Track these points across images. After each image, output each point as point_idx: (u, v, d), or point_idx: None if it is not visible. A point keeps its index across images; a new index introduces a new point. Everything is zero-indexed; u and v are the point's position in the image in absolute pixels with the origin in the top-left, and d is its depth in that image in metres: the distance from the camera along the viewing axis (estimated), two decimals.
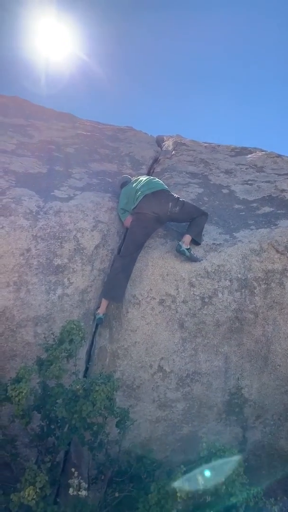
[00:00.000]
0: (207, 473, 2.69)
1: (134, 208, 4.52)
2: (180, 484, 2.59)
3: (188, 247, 4.28)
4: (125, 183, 4.98)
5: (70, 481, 2.75)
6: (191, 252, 4.28)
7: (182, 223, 4.66)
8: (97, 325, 4.29)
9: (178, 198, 4.55)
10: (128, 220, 4.59)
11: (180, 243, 4.28)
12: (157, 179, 4.83)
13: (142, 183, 4.66)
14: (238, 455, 2.95)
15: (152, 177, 4.92)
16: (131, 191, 4.67)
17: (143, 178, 4.82)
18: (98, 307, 4.20)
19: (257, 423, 4.45)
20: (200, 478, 2.67)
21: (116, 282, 4.20)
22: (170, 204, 4.44)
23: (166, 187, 4.70)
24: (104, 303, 4.19)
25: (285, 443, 4.54)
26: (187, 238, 4.33)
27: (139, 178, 4.84)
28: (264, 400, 4.41)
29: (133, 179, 4.95)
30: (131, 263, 4.28)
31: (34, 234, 4.13)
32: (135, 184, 4.71)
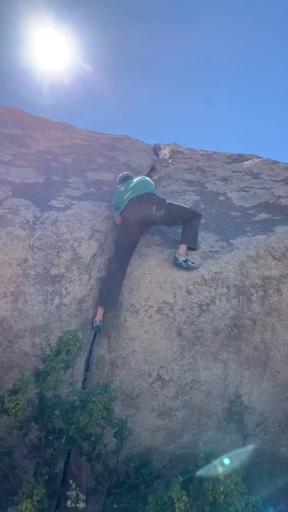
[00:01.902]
0: (205, 482, 2.67)
1: (121, 213, 4.51)
2: (178, 494, 2.57)
3: (185, 258, 4.26)
4: (124, 179, 4.98)
5: (68, 493, 2.74)
6: (188, 263, 4.26)
7: (174, 225, 4.64)
8: (95, 334, 4.29)
9: (163, 200, 4.50)
10: (117, 218, 4.58)
11: (176, 255, 4.26)
12: (146, 181, 4.76)
13: (131, 185, 4.63)
14: (236, 464, 2.93)
15: (142, 179, 4.83)
16: (122, 193, 4.65)
17: (136, 180, 4.79)
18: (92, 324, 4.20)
19: (258, 430, 4.42)
20: (198, 487, 2.65)
21: (107, 288, 4.20)
22: (154, 207, 4.40)
23: (151, 189, 4.62)
24: (99, 310, 4.20)
25: (286, 450, 4.50)
26: (182, 248, 4.30)
27: (133, 180, 4.81)
28: (264, 407, 4.38)
29: (133, 179, 4.87)
30: (121, 268, 4.27)
31: (31, 244, 4.14)
32: (128, 186, 4.68)
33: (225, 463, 2.87)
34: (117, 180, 5.13)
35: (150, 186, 4.68)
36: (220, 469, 2.74)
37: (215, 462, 2.80)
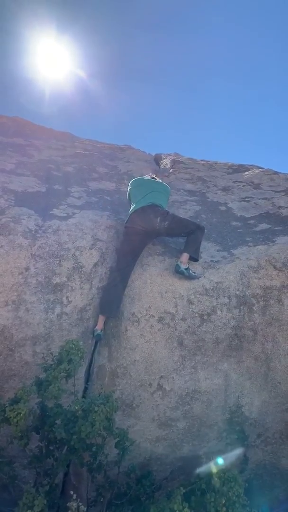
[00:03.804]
0: (208, 494, 2.65)
1: (126, 222, 4.55)
2: (180, 506, 2.55)
3: (187, 266, 4.29)
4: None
5: (69, 504, 2.71)
6: (190, 271, 4.29)
7: (177, 237, 4.66)
8: (96, 343, 4.28)
9: (167, 212, 4.54)
10: None
11: (179, 263, 4.29)
12: (155, 192, 4.74)
13: (141, 195, 4.65)
14: (239, 476, 2.91)
15: (151, 190, 4.79)
16: (136, 195, 4.70)
17: (148, 190, 4.75)
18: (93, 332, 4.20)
19: (258, 441, 4.40)
20: (200, 499, 2.63)
21: (108, 297, 4.21)
22: (158, 218, 4.43)
23: (158, 201, 4.63)
24: (101, 319, 4.20)
25: (287, 462, 4.48)
26: (185, 257, 4.33)
27: (147, 190, 4.75)
28: (265, 418, 4.36)
29: (147, 188, 4.80)
30: (123, 278, 4.28)
31: (33, 253, 4.15)
32: (141, 193, 4.70)
33: (226, 475, 2.84)
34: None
35: (157, 198, 4.67)
36: (222, 481, 2.71)
37: (217, 473, 2.77)
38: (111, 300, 4.19)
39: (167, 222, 4.43)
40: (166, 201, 4.84)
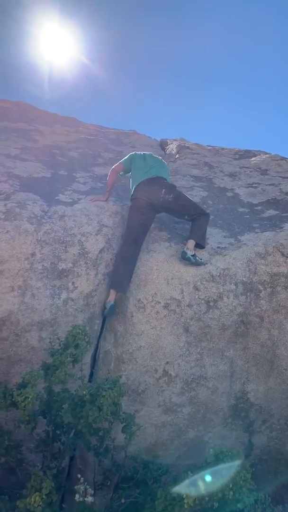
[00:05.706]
0: (214, 478, 2.67)
1: (132, 194, 4.57)
2: (187, 490, 2.57)
3: (193, 253, 4.26)
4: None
5: (76, 487, 2.74)
6: (197, 258, 4.26)
7: (182, 217, 4.63)
8: (102, 329, 4.28)
9: (173, 186, 4.56)
10: (114, 172, 4.79)
11: (185, 249, 4.25)
12: (161, 167, 4.76)
13: (146, 168, 4.65)
14: (244, 461, 2.92)
15: (159, 164, 4.82)
16: (139, 169, 4.67)
17: (153, 162, 4.76)
18: (103, 310, 4.19)
19: (263, 427, 4.42)
20: (207, 484, 2.64)
21: (120, 271, 4.22)
22: (164, 190, 4.44)
23: (164, 174, 4.64)
24: (112, 292, 4.19)
25: None
26: (191, 243, 4.30)
27: (151, 162, 4.76)
28: (270, 405, 4.37)
29: (151, 161, 4.81)
30: (133, 252, 4.28)
31: (39, 238, 4.13)
32: (145, 165, 4.69)
33: (232, 460, 2.85)
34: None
35: (160, 171, 4.68)
36: (229, 466, 2.72)
37: (223, 458, 2.78)
38: (122, 275, 4.19)
39: (172, 195, 4.45)
40: (168, 174, 4.86)
